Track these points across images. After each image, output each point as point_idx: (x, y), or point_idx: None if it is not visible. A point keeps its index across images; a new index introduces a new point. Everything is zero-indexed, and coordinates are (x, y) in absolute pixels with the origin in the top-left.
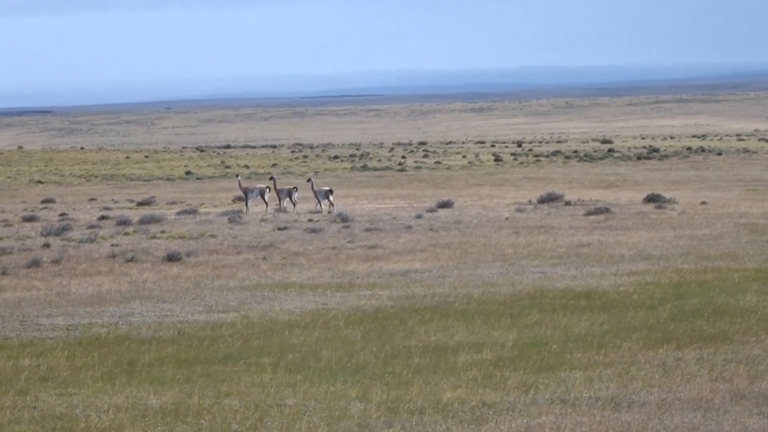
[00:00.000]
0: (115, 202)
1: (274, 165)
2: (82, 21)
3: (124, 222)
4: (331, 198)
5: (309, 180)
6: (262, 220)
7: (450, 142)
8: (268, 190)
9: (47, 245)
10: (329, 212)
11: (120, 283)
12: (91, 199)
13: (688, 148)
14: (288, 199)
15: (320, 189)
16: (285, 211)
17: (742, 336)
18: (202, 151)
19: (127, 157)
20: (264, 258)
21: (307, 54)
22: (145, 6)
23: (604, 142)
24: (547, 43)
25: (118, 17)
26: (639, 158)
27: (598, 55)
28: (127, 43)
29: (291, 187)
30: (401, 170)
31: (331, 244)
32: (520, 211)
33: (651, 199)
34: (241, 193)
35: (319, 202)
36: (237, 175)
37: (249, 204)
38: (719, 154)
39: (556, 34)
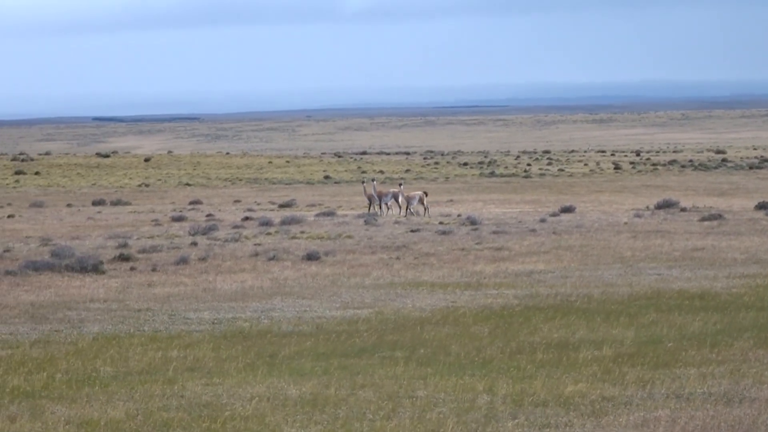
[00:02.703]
0: (258, 204)
1: (407, 171)
2: (233, 33)
3: (266, 223)
4: (425, 202)
5: (400, 185)
6: (396, 222)
7: (572, 151)
8: (401, 195)
9: (194, 244)
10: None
11: (262, 280)
12: (236, 201)
13: None
14: (419, 203)
15: (413, 194)
16: (416, 214)
17: None
18: (339, 156)
19: (270, 162)
20: (397, 258)
21: (440, 66)
22: (293, 20)
23: (718, 152)
24: (666, 58)
25: (266, 31)
26: (751, 168)
27: (714, 70)
28: (272, 55)
29: (421, 192)
30: (526, 177)
31: (461, 246)
32: (638, 216)
33: (762, 206)
34: (375, 196)
35: (407, 207)
36: (373, 179)
37: (383, 207)
38: None
39: (675, 49)
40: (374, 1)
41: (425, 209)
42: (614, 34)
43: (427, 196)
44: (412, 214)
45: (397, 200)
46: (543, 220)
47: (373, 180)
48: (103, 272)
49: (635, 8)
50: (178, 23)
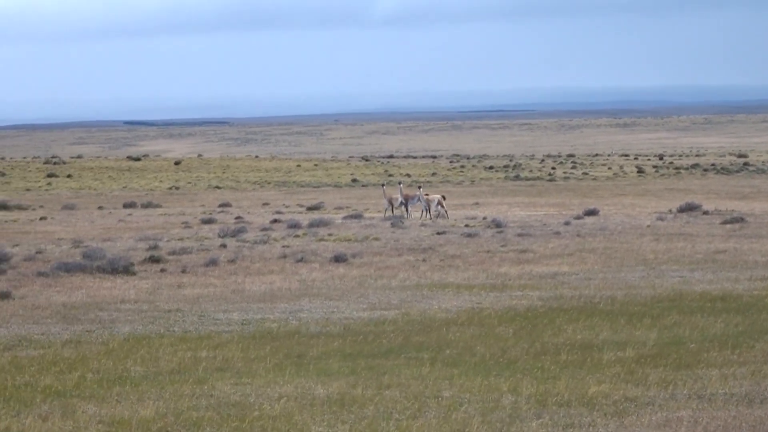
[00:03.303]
0: (287, 207)
1: (433, 174)
2: (263, 39)
3: (294, 225)
4: (438, 206)
5: (419, 188)
6: (422, 225)
7: (596, 155)
8: (426, 197)
9: (224, 246)
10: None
11: (290, 282)
12: (265, 204)
13: None
14: (439, 206)
15: (433, 197)
16: (444, 216)
17: None
18: (367, 160)
19: (298, 165)
20: (423, 260)
21: (466, 71)
22: (322, 26)
23: (740, 156)
24: (689, 64)
25: (295, 36)
26: None
27: (737, 75)
28: (302, 60)
29: (440, 195)
30: (551, 180)
31: (486, 248)
32: (661, 219)
33: None
34: (402, 199)
35: (428, 211)
36: (399, 183)
37: (409, 210)
38: None
39: (698, 55)
40: (402, 7)
41: (445, 212)
42: (638, 39)
43: (445, 199)
44: (435, 216)
45: (423, 204)
46: (567, 223)
47: (399, 183)
48: (134, 273)
49: (659, 15)
50: (210, 29)
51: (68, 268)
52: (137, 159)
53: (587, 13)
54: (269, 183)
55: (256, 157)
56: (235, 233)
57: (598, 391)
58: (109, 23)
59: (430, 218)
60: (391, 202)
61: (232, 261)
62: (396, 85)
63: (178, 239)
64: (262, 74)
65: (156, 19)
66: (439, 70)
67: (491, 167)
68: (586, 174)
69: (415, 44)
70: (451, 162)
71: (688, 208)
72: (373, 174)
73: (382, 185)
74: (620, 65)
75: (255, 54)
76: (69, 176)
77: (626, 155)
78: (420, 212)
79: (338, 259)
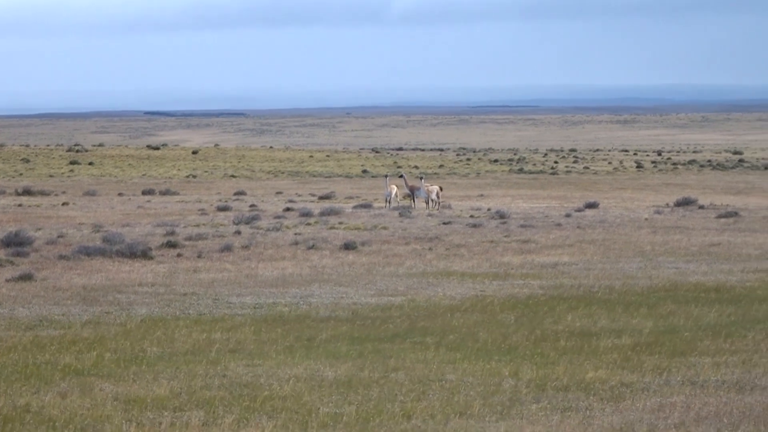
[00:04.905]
0: (299, 196)
1: (440, 166)
2: (278, 35)
3: (306, 214)
4: (432, 196)
5: (421, 179)
6: (429, 215)
7: (597, 150)
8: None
9: (238, 232)
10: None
11: (302, 268)
12: (278, 193)
13: None
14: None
15: (432, 188)
16: (437, 206)
17: None
18: (377, 152)
19: (311, 156)
20: (429, 249)
21: (474, 68)
22: (338, 22)
23: (735, 153)
24: (688, 64)
25: (311, 32)
26: (766, 168)
27: (733, 75)
28: (316, 55)
29: (438, 186)
30: (553, 174)
31: (490, 238)
32: (658, 212)
33: None
34: (407, 191)
35: (418, 199)
36: (401, 175)
37: (416, 200)
38: None
39: (696, 55)
40: (416, 7)
41: (439, 203)
42: (639, 41)
43: (442, 190)
44: (432, 206)
45: (424, 195)
46: (568, 215)
47: (401, 176)
48: (152, 258)
49: (660, 18)
50: (231, 25)
51: (88, 252)
52: (156, 148)
53: (591, 15)
54: (283, 173)
55: (271, 147)
56: (249, 220)
57: (595, 377)
58: (132, 18)
59: (438, 209)
60: (396, 195)
61: (245, 247)
62: (406, 81)
63: (195, 225)
64: (278, 69)
65: (179, 15)
66: (448, 66)
67: (496, 160)
68: (587, 168)
69: (426, 42)
70: (457, 155)
71: (685, 203)
72: (382, 165)
73: (386, 176)
74: (621, 65)
75: (272, 49)
76: (90, 164)
77: (626, 151)
78: (423, 203)
79: (348, 246)
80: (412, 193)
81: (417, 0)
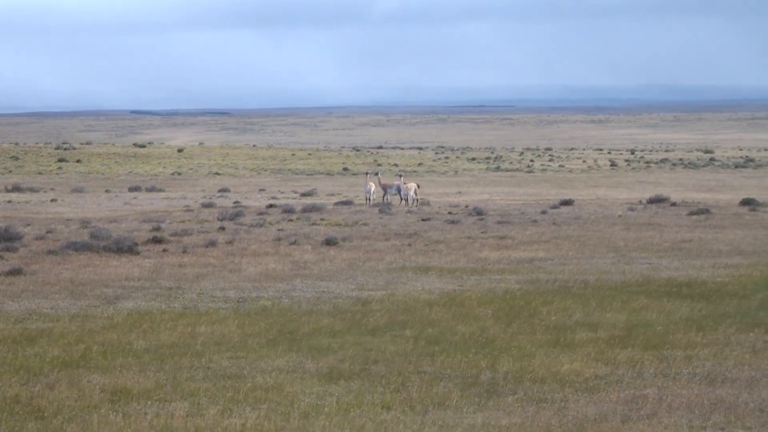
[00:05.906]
0: (282, 193)
1: (419, 164)
2: (261, 35)
3: (289, 210)
4: (411, 194)
5: (399, 176)
6: (408, 212)
7: (572, 149)
8: (401, 186)
9: (222, 228)
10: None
11: (284, 263)
12: (261, 190)
13: None
14: (397, 194)
15: (410, 185)
16: (413, 203)
17: None
18: (357, 150)
19: (293, 154)
20: (409, 244)
21: (452, 69)
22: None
23: (706, 152)
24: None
25: (293, 33)
26: (736, 167)
27: (704, 76)
28: (298, 56)
29: (415, 184)
30: (529, 172)
31: (467, 234)
32: (632, 210)
33: (746, 202)
34: (380, 189)
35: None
36: (376, 173)
37: (388, 198)
38: None
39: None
40: (399, 7)
41: (417, 200)
42: (612, 42)
43: (419, 188)
44: (410, 203)
45: (399, 192)
46: (544, 212)
47: (376, 174)
48: (138, 253)
49: (633, 18)
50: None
51: (76, 247)
52: (142, 146)
53: (566, 17)
54: (266, 170)
55: (254, 146)
56: (233, 217)
57: (570, 369)
58: (118, 19)
59: (416, 206)
60: (375, 192)
61: (229, 242)
62: (385, 81)
63: (180, 221)
64: (261, 69)
65: (164, 16)
66: (426, 67)
67: (473, 159)
68: (563, 166)
69: (405, 42)
70: (436, 153)
71: (657, 200)
72: (363, 163)
73: (366, 173)
74: (596, 66)
75: (256, 50)
76: (78, 161)
77: (600, 149)
78: (400, 200)
79: (329, 242)
80: (385, 191)
81: (398, 1)
